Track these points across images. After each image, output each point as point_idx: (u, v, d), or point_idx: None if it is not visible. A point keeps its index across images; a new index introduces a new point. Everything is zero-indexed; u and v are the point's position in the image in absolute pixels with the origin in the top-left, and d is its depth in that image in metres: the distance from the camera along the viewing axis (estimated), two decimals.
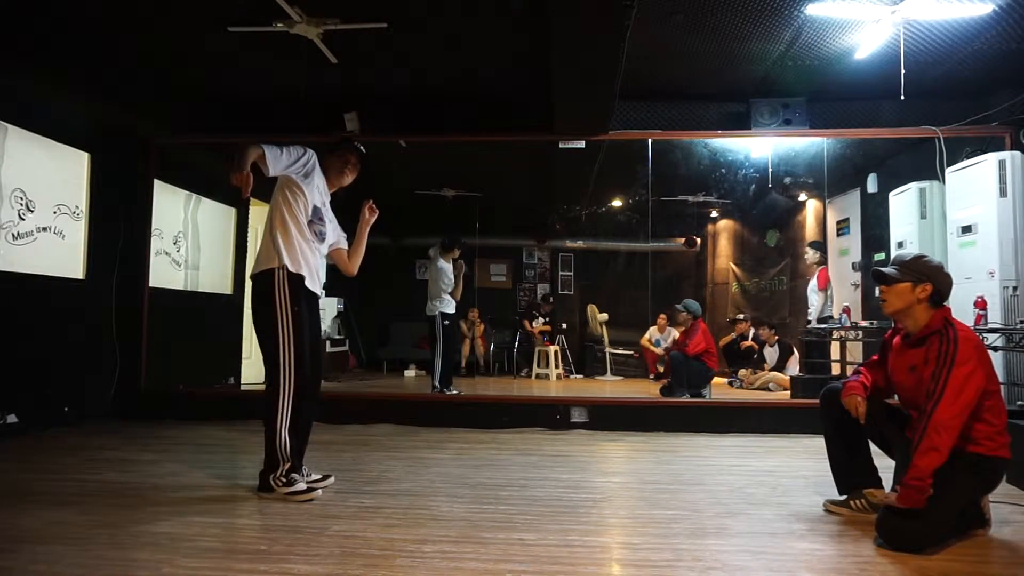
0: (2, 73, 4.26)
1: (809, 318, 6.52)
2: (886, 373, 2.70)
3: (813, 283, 6.58)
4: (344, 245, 3.40)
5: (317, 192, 3.11)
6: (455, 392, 5.91)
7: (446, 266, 6.21)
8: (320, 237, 3.14)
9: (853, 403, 2.64)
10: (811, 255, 6.68)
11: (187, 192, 6.01)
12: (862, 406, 2.62)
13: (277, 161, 2.91)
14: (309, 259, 3.04)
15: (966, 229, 4.75)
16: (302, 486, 2.90)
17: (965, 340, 2.35)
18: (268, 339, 2.90)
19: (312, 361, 3.01)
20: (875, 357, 2.80)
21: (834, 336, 5.99)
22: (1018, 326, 4.18)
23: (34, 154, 4.53)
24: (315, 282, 3.09)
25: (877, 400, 2.75)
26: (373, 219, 3.42)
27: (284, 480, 2.89)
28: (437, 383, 5.93)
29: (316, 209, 3.09)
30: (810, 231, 8.06)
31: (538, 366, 8.18)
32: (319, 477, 3.14)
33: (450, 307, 6.17)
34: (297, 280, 2.96)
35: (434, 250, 6.23)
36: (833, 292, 6.57)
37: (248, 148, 2.81)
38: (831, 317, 6.10)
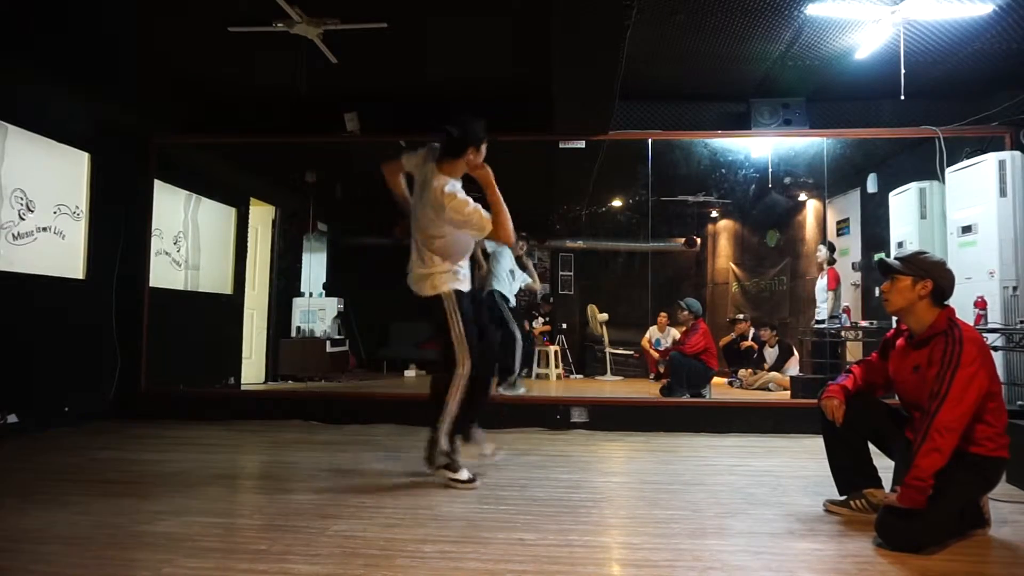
0: (2, 73, 4.26)
1: (818, 317, 6.50)
2: (886, 371, 2.69)
3: (823, 283, 6.56)
4: None
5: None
6: (522, 392, 5.75)
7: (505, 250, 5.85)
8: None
9: (830, 406, 2.66)
10: (823, 253, 6.65)
11: (187, 192, 6.01)
12: (839, 410, 2.64)
13: (481, 211, 3.08)
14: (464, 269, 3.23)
15: (966, 229, 4.75)
16: (465, 475, 3.05)
17: (970, 341, 2.35)
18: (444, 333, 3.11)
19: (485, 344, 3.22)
20: (873, 356, 2.80)
21: (844, 336, 5.97)
22: (1018, 326, 4.18)
23: (34, 154, 4.53)
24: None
25: (877, 401, 2.75)
26: (485, 171, 3.21)
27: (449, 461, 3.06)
28: (518, 375, 5.76)
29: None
30: (810, 231, 8.06)
31: (538, 366, 8.18)
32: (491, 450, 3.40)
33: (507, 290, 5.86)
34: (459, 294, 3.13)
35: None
36: (840, 292, 6.56)
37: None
38: (837, 317, 6.09)
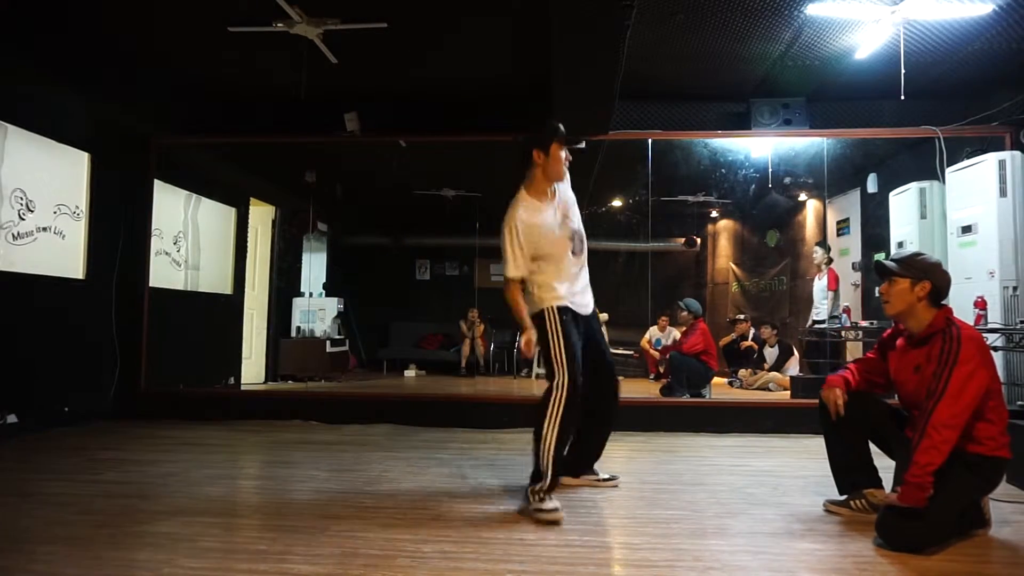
0: (2, 73, 4.26)
1: (818, 317, 6.50)
2: (886, 371, 2.69)
3: (822, 283, 6.56)
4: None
5: (550, 231, 2.91)
6: None
7: None
8: (579, 252, 3.02)
9: (832, 396, 2.67)
10: (819, 255, 6.66)
11: (187, 192, 6.01)
12: (840, 399, 2.64)
13: (517, 263, 2.84)
14: (571, 281, 2.95)
15: (966, 229, 4.75)
16: (551, 504, 2.66)
17: (968, 339, 2.35)
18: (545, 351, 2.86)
19: (596, 375, 2.98)
20: (870, 354, 2.80)
21: (844, 336, 5.97)
22: (1018, 326, 4.18)
23: (34, 154, 4.53)
24: (582, 296, 3.01)
25: (878, 400, 2.75)
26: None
27: (541, 495, 2.69)
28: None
29: (570, 238, 2.97)
30: (810, 231, 8.05)
31: (538, 366, 8.17)
32: (607, 477, 3.19)
33: None
34: (564, 311, 2.87)
35: None
36: (840, 293, 6.56)
37: (519, 304, 2.85)
38: (837, 317, 6.09)
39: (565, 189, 3.07)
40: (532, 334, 2.84)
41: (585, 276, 3.07)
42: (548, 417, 2.72)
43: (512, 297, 2.87)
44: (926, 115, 5.10)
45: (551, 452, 2.70)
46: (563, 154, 2.98)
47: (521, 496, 2.83)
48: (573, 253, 2.97)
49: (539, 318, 2.85)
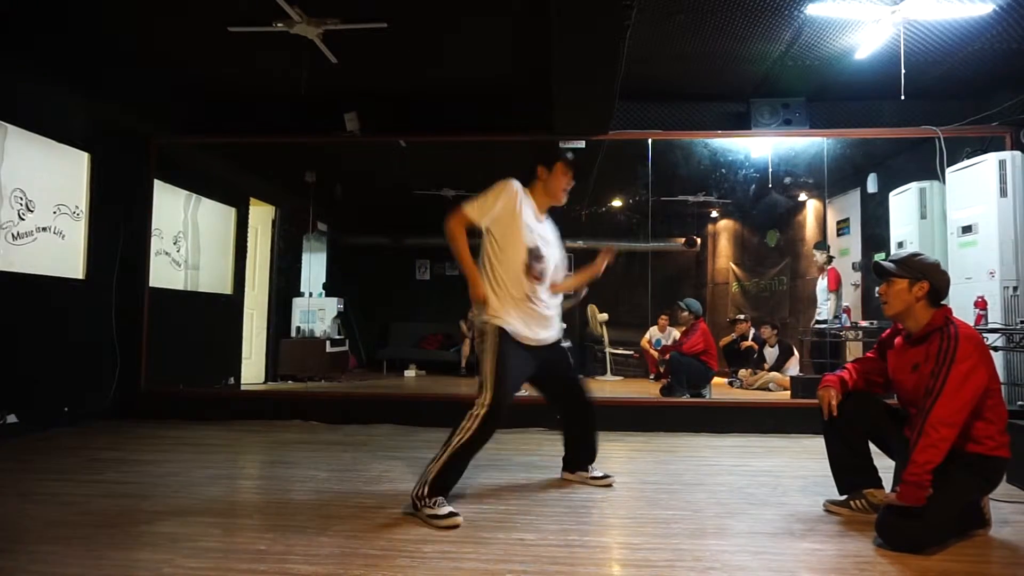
0: (2, 73, 4.26)
1: (819, 318, 6.50)
2: (885, 370, 2.69)
3: (823, 283, 6.56)
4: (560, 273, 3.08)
5: (527, 229, 2.86)
6: None
7: None
8: (542, 276, 2.92)
9: (827, 396, 2.68)
10: (820, 257, 6.66)
11: (187, 192, 6.01)
12: (835, 399, 2.66)
13: (482, 210, 2.79)
14: (526, 315, 2.87)
15: (966, 229, 4.75)
16: (443, 511, 2.57)
17: (966, 338, 2.35)
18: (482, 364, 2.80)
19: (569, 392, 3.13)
20: (869, 354, 2.80)
21: (844, 336, 5.97)
22: (1018, 326, 4.18)
23: (34, 154, 4.53)
24: (542, 330, 2.93)
25: (877, 400, 2.75)
26: (602, 268, 3.10)
27: (426, 501, 2.61)
28: None
29: (532, 250, 2.86)
30: (810, 231, 8.06)
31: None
32: (601, 475, 3.22)
33: None
34: (509, 337, 2.81)
35: None
36: (841, 293, 6.57)
37: (459, 240, 2.75)
38: (837, 317, 6.09)
39: (551, 227, 3.08)
40: (483, 290, 2.79)
41: (556, 304, 3.06)
42: (460, 431, 2.68)
43: (457, 231, 2.75)
44: (926, 115, 5.10)
45: (443, 463, 2.64)
46: (566, 178, 2.99)
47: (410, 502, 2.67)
48: (538, 277, 2.89)
49: (482, 327, 2.82)
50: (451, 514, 2.56)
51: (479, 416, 2.70)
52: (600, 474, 3.26)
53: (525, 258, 2.86)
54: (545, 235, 2.99)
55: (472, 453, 2.72)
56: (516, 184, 2.89)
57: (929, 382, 2.34)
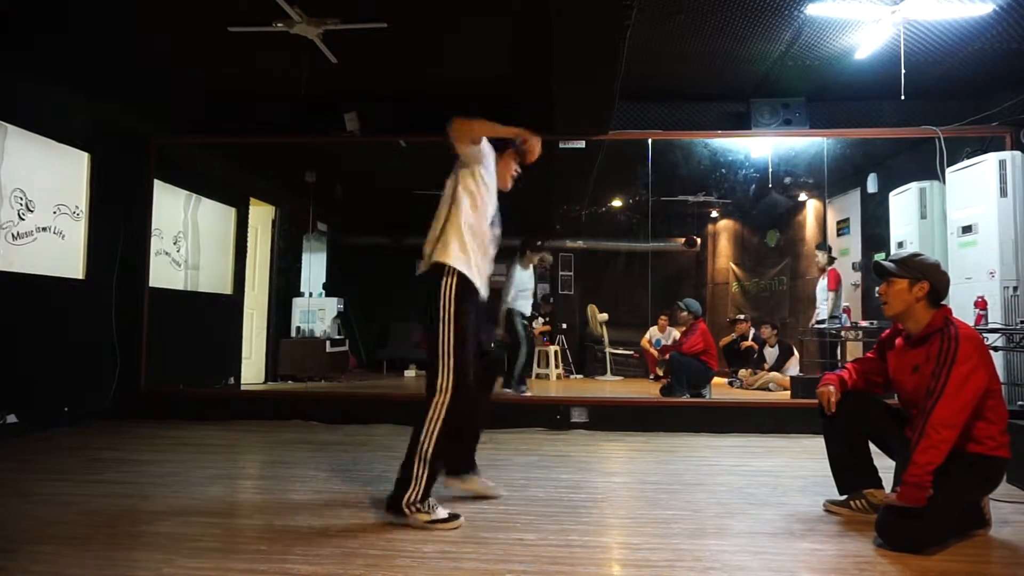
0: (2, 73, 4.26)
1: (819, 317, 6.50)
2: (885, 371, 2.69)
3: (823, 283, 6.57)
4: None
5: (493, 186, 2.74)
6: (527, 392, 6.03)
7: (523, 274, 6.36)
8: (495, 242, 2.77)
9: (825, 394, 2.69)
10: (821, 258, 6.67)
11: (187, 192, 6.02)
12: (834, 396, 2.66)
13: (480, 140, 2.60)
14: (483, 267, 2.70)
15: (966, 229, 4.75)
16: (443, 513, 2.49)
17: (967, 339, 2.35)
18: (433, 341, 2.54)
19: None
20: (869, 354, 2.80)
21: (844, 336, 5.98)
22: (1018, 326, 4.18)
23: (34, 154, 4.53)
24: (483, 282, 2.72)
25: (877, 400, 2.75)
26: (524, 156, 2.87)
27: (420, 506, 2.48)
28: (514, 383, 6.02)
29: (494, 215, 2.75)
30: (810, 231, 8.06)
31: (538, 366, 8.18)
32: (491, 485, 2.96)
33: (526, 308, 6.31)
34: (468, 285, 2.60)
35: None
36: (841, 293, 6.57)
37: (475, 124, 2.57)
38: (837, 317, 6.09)
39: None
40: (532, 139, 2.65)
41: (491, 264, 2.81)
42: (427, 429, 2.48)
43: (476, 122, 2.57)
44: (926, 115, 5.10)
45: (427, 460, 2.48)
46: (514, 163, 2.88)
47: (391, 510, 2.53)
48: (490, 241, 2.74)
49: (438, 273, 2.55)
50: (452, 516, 2.50)
51: (443, 404, 2.48)
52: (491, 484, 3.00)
53: (490, 215, 2.73)
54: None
55: (444, 443, 2.51)
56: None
57: (930, 383, 2.34)
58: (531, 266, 6.48)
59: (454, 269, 2.56)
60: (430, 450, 2.49)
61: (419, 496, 2.49)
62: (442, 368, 2.50)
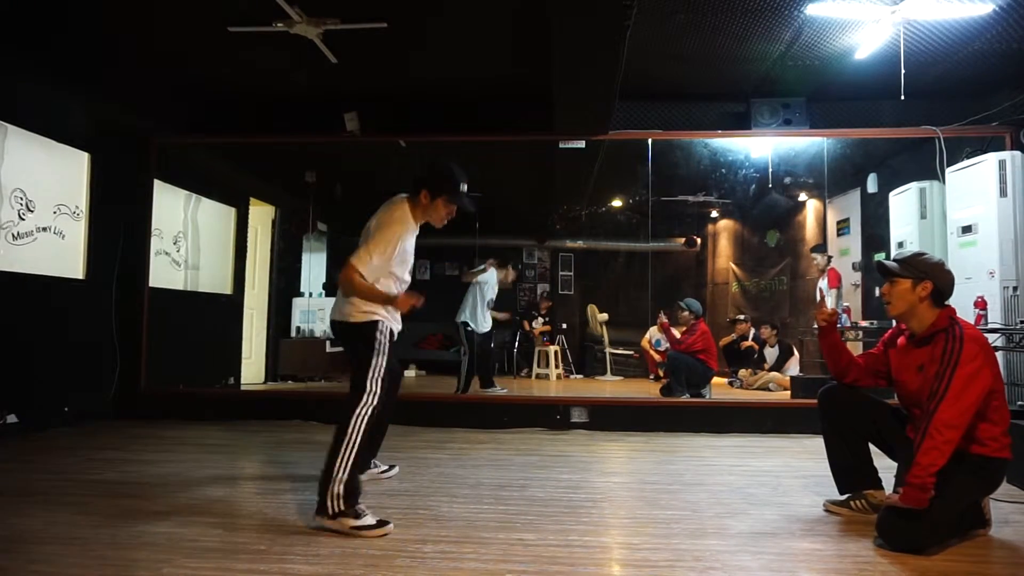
0: (2, 73, 4.26)
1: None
2: (888, 363, 2.68)
3: (823, 282, 6.57)
4: None
5: (411, 250, 2.88)
6: (501, 391, 6.32)
7: (494, 280, 6.59)
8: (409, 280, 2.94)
9: (823, 314, 2.74)
10: (820, 260, 6.67)
11: (187, 192, 6.01)
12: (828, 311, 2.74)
13: (373, 260, 2.68)
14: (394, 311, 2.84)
15: (966, 229, 4.75)
16: (370, 520, 2.48)
17: (971, 339, 2.35)
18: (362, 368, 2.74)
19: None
20: (874, 350, 2.80)
21: (844, 336, 5.97)
22: (1018, 326, 4.18)
23: (34, 154, 4.53)
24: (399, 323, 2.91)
25: (878, 401, 2.75)
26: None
27: (343, 508, 2.49)
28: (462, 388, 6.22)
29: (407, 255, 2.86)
30: (810, 231, 8.05)
31: (538, 366, 8.18)
32: (385, 468, 3.34)
33: (476, 320, 6.50)
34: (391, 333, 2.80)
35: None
36: (841, 291, 6.57)
37: (362, 282, 2.67)
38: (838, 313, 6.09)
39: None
40: (415, 298, 2.74)
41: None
42: (349, 437, 2.61)
43: (359, 282, 2.66)
44: (926, 115, 5.10)
45: (349, 471, 2.53)
46: (447, 211, 2.85)
47: (318, 518, 2.50)
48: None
49: (371, 329, 2.73)
50: (381, 523, 2.46)
51: (365, 415, 2.67)
52: (385, 467, 3.40)
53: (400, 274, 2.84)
54: (412, 248, 2.91)
55: (364, 452, 2.68)
56: (408, 220, 2.80)
57: (934, 384, 2.33)
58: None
59: (380, 323, 2.75)
60: (355, 459, 2.58)
61: (342, 505, 2.48)
62: (369, 387, 2.73)
